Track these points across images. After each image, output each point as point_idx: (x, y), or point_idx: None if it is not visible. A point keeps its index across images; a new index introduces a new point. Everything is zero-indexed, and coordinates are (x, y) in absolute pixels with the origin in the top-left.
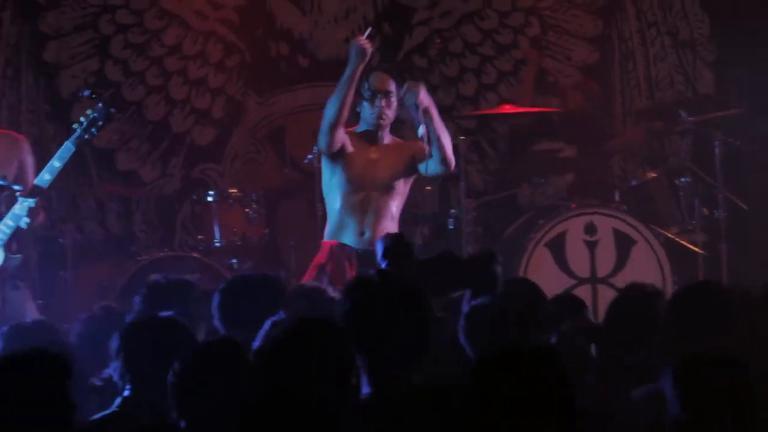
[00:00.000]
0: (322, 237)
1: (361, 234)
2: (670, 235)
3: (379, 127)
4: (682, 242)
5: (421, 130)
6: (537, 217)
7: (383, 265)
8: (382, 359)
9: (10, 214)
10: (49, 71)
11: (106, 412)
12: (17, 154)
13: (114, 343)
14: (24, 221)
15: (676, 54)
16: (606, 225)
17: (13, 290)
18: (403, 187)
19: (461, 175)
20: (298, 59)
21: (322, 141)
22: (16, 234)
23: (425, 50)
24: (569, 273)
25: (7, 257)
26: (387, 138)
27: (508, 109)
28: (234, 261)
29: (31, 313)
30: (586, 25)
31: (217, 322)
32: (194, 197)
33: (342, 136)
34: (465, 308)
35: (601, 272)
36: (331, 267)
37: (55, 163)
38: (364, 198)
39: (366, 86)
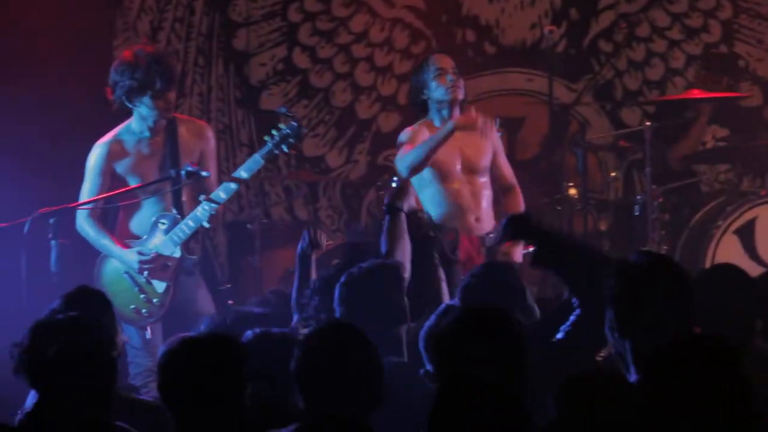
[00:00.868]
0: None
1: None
2: None
3: (454, 101)
4: None
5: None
6: (725, 203)
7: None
8: (646, 345)
9: (192, 215)
10: (238, 59)
11: None
12: (202, 143)
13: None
14: (205, 224)
15: None
16: None
17: (185, 276)
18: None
19: (646, 161)
20: (484, 46)
21: (405, 173)
22: (195, 235)
23: (611, 35)
24: (758, 260)
25: (183, 257)
26: (457, 114)
27: (696, 94)
28: None
29: (203, 298)
30: None
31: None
32: (378, 183)
33: None
34: None
35: None
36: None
37: (243, 173)
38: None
39: (431, 68)
